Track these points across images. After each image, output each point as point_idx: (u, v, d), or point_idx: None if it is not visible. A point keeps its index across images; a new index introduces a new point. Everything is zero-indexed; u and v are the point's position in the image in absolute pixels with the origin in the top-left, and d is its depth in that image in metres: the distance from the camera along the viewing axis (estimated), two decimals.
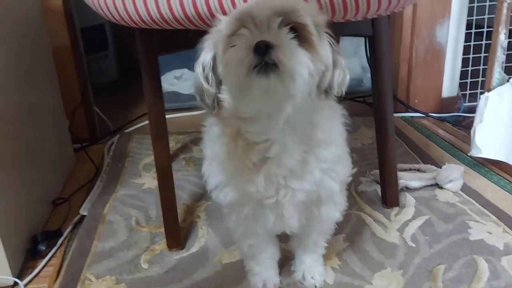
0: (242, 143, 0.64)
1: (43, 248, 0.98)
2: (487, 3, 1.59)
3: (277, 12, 0.55)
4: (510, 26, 1.25)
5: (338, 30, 0.63)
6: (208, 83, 0.61)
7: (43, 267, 0.94)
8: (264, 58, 0.52)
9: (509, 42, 1.33)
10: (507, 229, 0.96)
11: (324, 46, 0.59)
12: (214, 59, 0.61)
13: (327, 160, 0.66)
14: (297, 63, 0.54)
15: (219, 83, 0.62)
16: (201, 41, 0.62)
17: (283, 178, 0.65)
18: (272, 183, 0.66)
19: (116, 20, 0.75)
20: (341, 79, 0.61)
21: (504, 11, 1.19)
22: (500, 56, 1.24)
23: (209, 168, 0.72)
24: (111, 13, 0.74)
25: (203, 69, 0.61)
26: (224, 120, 0.65)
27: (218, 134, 0.67)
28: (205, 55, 0.61)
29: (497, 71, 1.25)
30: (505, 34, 1.22)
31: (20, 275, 0.91)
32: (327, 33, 0.60)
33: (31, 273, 0.92)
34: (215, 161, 0.70)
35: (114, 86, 2.30)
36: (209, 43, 0.62)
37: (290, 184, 0.66)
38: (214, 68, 0.61)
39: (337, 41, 1.53)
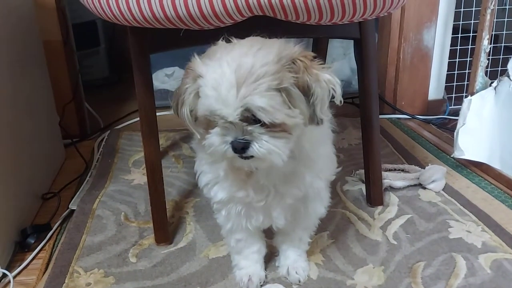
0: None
1: (32, 241, 0.99)
2: (473, 9, 1.63)
3: (246, 111, 0.58)
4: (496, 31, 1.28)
5: (326, 32, 0.65)
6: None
7: (32, 259, 0.96)
8: (242, 155, 0.61)
9: (493, 48, 1.36)
10: (485, 228, 1.00)
11: (300, 103, 0.60)
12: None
13: (316, 163, 0.71)
14: (270, 153, 0.60)
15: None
16: (184, 74, 0.65)
17: (273, 186, 0.70)
18: (262, 190, 0.70)
19: (109, 18, 0.77)
20: (338, 94, 0.62)
21: (488, 17, 1.22)
22: (483, 60, 1.27)
23: (200, 166, 0.76)
24: (104, 12, 0.76)
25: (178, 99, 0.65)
26: None
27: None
28: (185, 88, 0.63)
29: (480, 76, 1.29)
30: (488, 39, 1.25)
31: (9, 267, 0.92)
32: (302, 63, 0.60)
33: (20, 265, 0.93)
34: (204, 161, 0.75)
35: (105, 83, 2.31)
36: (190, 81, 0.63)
37: (279, 189, 0.70)
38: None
39: (326, 44, 1.54)
